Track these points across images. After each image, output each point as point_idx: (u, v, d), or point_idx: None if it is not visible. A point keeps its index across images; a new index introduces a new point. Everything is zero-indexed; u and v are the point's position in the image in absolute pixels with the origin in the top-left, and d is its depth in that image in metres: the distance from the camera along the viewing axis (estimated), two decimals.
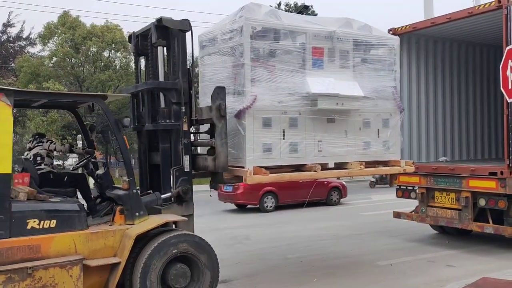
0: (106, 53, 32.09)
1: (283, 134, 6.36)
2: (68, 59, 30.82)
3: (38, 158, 6.09)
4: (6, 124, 4.97)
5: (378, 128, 7.21)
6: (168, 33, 6.10)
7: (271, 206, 15.30)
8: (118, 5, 47.04)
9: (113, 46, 31.36)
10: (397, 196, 10.10)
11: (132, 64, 32.53)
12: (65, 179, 6.12)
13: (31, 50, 35.14)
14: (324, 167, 6.66)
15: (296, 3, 35.58)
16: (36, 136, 6.35)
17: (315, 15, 34.97)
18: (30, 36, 33.51)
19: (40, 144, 6.19)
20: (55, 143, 6.30)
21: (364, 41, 7.06)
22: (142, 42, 6.48)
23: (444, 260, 8.27)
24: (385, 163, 7.33)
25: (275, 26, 6.40)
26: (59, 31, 30.85)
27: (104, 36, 30.47)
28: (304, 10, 30.24)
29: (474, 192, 8.49)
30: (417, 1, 73.57)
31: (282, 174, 6.36)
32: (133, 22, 57.71)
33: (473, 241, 9.75)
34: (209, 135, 6.26)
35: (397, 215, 9.97)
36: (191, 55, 6.28)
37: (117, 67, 32.36)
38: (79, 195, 6.19)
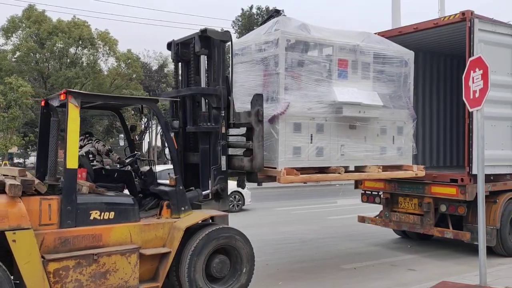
0: (72, 50, 32.48)
1: (311, 138, 7.30)
2: (32, 54, 31.31)
3: (90, 155, 6.89)
4: (75, 124, 5.75)
5: (393, 135, 8.23)
6: (210, 43, 6.96)
7: None
8: (86, 1, 47.22)
9: (80, 42, 31.86)
10: (362, 201, 10.74)
11: (100, 62, 33.34)
12: (115, 175, 6.95)
13: None
14: (345, 170, 7.61)
15: (268, 7, 37.00)
16: (86, 135, 7.13)
17: None
18: None
19: (89, 142, 6.99)
20: (98, 142, 7.09)
21: (383, 54, 8.07)
22: (182, 50, 7.32)
23: (406, 264, 8.87)
24: (399, 168, 8.32)
25: (306, 39, 7.34)
26: (24, 25, 31.25)
27: (71, 32, 30.85)
28: (275, 14, 31.42)
29: (436, 198, 9.07)
30: (385, 9, 75.93)
31: (310, 175, 7.32)
32: (101, 19, 57.91)
33: (434, 245, 10.46)
34: (245, 138, 7.13)
35: (362, 219, 10.58)
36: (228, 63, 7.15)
37: (84, 64, 32.69)
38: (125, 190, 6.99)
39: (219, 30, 7.06)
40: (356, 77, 7.75)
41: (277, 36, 7.08)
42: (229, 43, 7.08)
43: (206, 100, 6.92)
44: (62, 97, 5.84)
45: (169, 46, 7.49)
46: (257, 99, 6.82)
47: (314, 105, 7.30)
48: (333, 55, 7.54)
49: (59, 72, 31.61)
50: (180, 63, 7.54)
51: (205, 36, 6.91)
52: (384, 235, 11.43)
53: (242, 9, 38.61)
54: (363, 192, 10.58)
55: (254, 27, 36.20)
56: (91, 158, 6.88)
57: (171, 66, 42.65)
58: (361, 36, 7.97)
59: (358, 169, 7.85)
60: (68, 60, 32.67)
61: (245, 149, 7.11)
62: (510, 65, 9.00)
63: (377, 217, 10.33)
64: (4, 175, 6.17)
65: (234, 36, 39.45)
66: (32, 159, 40.87)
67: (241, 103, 7.43)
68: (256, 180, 7.16)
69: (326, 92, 7.39)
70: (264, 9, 37.62)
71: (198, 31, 6.96)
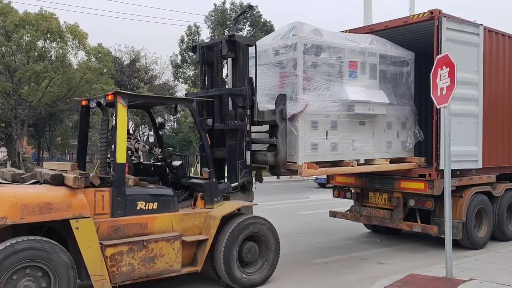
0: (40, 43, 32.52)
1: (326, 135, 8.36)
2: None
3: (129, 151, 7.76)
4: (123, 122, 6.65)
5: (398, 130, 9.42)
6: (236, 46, 7.90)
7: None
8: None
9: (49, 35, 31.90)
10: (334, 196, 11.16)
11: (69, 56, 33.55)
12: (151, 169, 7.84)
13: None
14: (357, 163, 8.70)
15: (242, 3, 37.95)
16: None
17: (260, 15, 37.74)
18: None
19: (128, 140, 7.85)
20: (139, 143, 8.00)
21: (387, 55, 9.19)
22: (207, 53, 8.25)
23: (376, 257, 9.29)
24: (402, 160, 9.46)
25: (321, 43, 8.36)
26: None
27: (38, 24, 30.97)
28: (248, 10, 32.62)
29: (405, 193, 9.53)
30: (357, 6, 77.85)
31: (328, 169, 8.39)
32: (70, 12, 57.48)
33: (403, 239, 11.06)
34: (268, 134, 8.11)
35: (333, 214, 11.02)
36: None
37: (53, 58, 32.87)
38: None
39: (245, 35, 7.99)
40: (365, 77, 8.85)
41: (295, 41, 8.09)
42: (254, 46, 8.03)
43: (233, 100, 7.85)
44: (110, 97, 6.71)
45: (193, 49, 8.41)
46: (281, 99, 7.82)
47: (329, 103, 8.36)
48: (344, 57, 8.60)
49: (26, 66, 31.65)
50: (204, 65, 8.44)
51: (232, 41, 7.85)
52: (355, 229, 12.01)
53: (215, 4, 39.18)
54: (335, 187, 11.02)
55: (228, 22, 37.13)
56: (129, 154, 7.75)
57: (143, 61, 43.36)
58: (367, 39, 9.07)
59: (368, 162, 8.96)
60: (36, 54, 32.77)
61: (268, 144, 8.07)
62: (476, 63, 9.47)
63: (348, 212, 10.78)
64: (51, 169, 7.02)
65: (207, 31, 39.57)
66: None
67: (258, 102, 8.38)
68: (279, 173, 8.16)
69: (339, 91, 8.46)
70: (237, 4, 38.50)
71: (225, 35, 7.92)
